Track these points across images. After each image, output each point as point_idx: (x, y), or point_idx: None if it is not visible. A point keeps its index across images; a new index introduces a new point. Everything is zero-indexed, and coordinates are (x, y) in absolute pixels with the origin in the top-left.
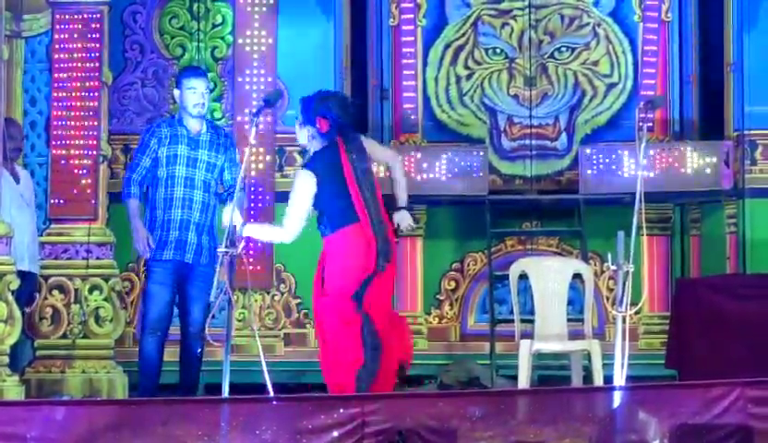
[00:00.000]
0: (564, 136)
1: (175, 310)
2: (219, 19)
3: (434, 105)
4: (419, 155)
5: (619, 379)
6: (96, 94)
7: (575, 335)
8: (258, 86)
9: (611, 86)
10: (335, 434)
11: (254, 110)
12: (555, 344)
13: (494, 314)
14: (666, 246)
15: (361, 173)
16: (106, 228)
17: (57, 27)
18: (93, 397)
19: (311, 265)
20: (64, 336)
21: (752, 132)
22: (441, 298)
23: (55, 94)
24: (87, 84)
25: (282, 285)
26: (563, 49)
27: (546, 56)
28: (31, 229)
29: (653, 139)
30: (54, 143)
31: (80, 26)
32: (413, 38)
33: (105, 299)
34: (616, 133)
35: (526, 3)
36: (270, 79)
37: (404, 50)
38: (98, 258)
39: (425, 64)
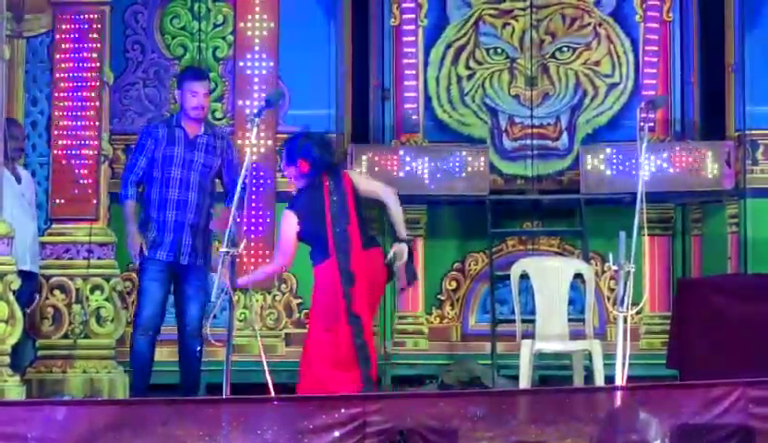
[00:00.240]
0: (565, 136)
1: (173, 310)
2: (220, 19)
3: (435, 105)
4: (420, 155)
5: (620, 379)
6: (97, 94)
7: (576, 335)
8: (260, 86)
9: (612, 86)
10: (336, 434)
11: (255, 110)
12: (556, 344)
13: (495, 314)
14: (668, 246)
15: (338, 210)
16: (107, 228)
17: (59, 27)
18: (94, 397)
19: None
20: (65, 336)
21: (753, 132)
22: (442, 298)
23: (56, 94)
24: (88, 84)
25: (284, 285)
26: (564, 49)
27: (547, 56)
28: (32, 229)
29: (654, 139)
30: (55, 143)
31: (82, 26)
32: (414, 38)
33: (106, 299)
34: (617, 133)
35: (527, 3)
36: (271, 80)
37: (405, 50)
38: (99, 258)
39: (426, 64)
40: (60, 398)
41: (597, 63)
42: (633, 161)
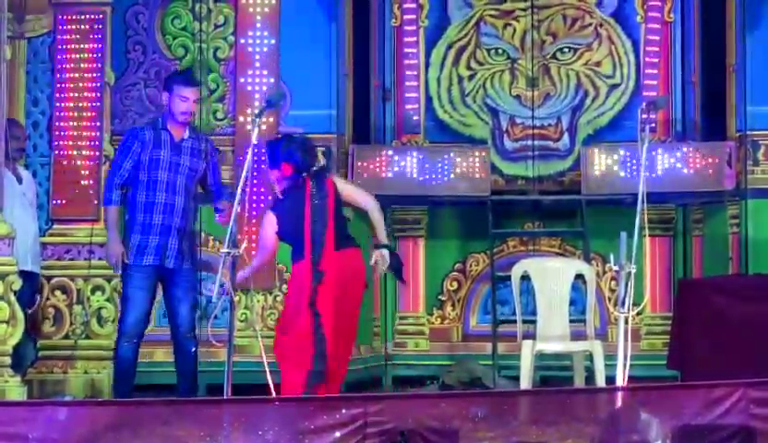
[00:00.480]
0: (566, 136)
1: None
2: (221, 20)
3: (436, 106)
4: (421, 156)
5: (621, 380)
6: (98, 95)
7: (577, 336)
8: (261, 87)
9: (613, 86)
10: (337, 434)
11: (256, 111)
12: (557, 345)
13: (496, 314)
14: (669, 247)
15: (318, 212)
16: None
17: (60, 27)
18: (95, 397)
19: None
20: (66, 336)
21: (755, 132)
22: (443, 299)
23: (58, 95)
24: (89, 84)
25: (285, 286)
26: (565, 49)
27: (548, 57)
28: (34, 229)
29: (655, 140)
30: (56, 143)
31: (83, 26)
32: (415, 38)
33: (107, 299)
34: (618, 133)
35: (528, 3)
36: (272, 80)
37: (406, 50)
38: (100, 259)
39: (427, 64)
40: (61, 398)
41: (598, 63)
42: (634, 161)
